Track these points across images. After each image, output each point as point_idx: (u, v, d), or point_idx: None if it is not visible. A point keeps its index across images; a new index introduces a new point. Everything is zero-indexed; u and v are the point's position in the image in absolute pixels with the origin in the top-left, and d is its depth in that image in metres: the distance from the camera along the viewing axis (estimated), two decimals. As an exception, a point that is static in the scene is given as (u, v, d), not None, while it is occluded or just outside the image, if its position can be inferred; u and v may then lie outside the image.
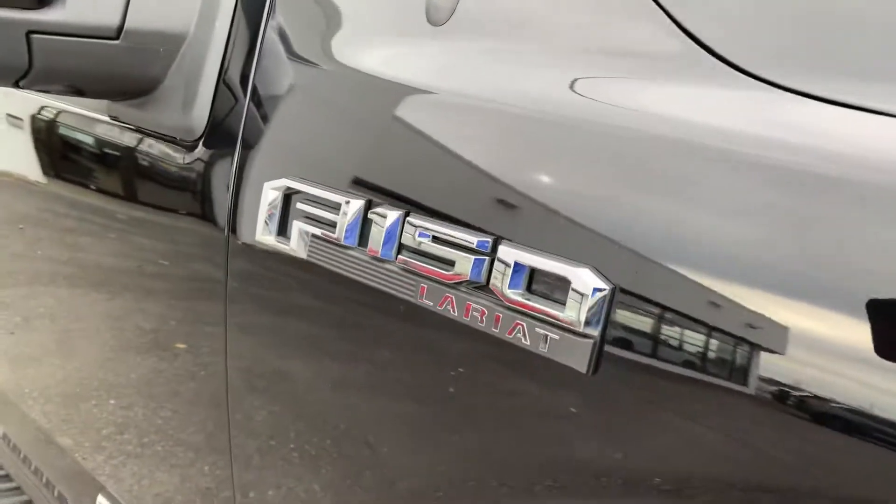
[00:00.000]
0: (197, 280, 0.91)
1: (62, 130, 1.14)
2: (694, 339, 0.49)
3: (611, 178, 0.54)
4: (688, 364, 0.50)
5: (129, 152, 0.97)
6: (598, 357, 0.52)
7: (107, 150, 1.03)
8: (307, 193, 0.70)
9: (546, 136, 0.58)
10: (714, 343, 0.48)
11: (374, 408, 0.69)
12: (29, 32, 0.80)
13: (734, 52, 0.53)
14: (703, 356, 0.49)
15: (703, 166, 0.51)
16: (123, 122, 0.95)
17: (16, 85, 0.85)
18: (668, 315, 0.50)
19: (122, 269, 1.06)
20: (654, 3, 0.56)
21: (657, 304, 0.51)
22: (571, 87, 0.59)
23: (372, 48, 0.72)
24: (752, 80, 0.52)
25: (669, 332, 0.50)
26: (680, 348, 0.50)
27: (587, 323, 0.52)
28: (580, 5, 0.62)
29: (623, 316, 0.51)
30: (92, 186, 1.08)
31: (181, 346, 1.02)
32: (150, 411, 1.18)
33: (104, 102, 0.98)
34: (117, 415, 1.29)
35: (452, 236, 0.59)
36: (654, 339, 0.51)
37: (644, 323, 0.51)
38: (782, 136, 0.48)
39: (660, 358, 0.51)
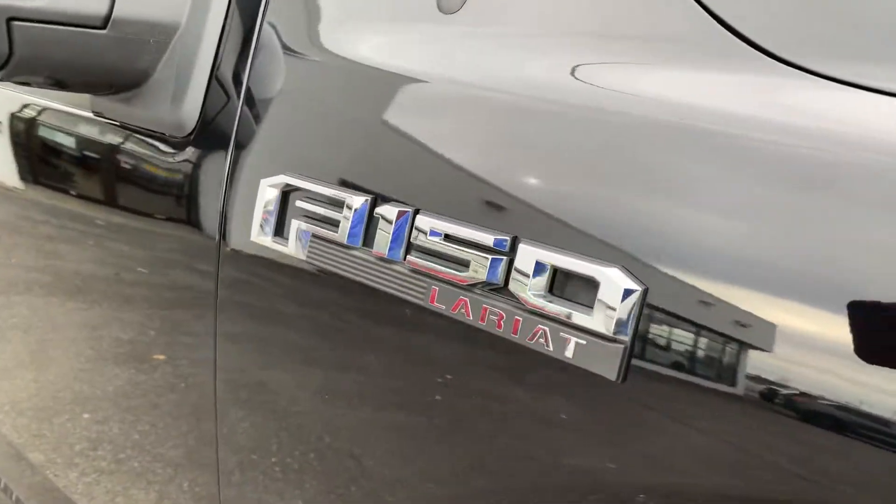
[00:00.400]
0: (183, 287, 0.86)
1: (40, 128, 1.08)
2: (733, 345, 0.46)
3: (637, 172, 0.51)
4: (725, 371, 0.46)
5: (114, 151, 0.92)
6: (628, 363, 0.48)
7: (89, 149, 0.98)
8: (307, 190, 0.66)
9: (565, 128, 0.55)
10: (754, 348, 0.45)
11: (379, 417, 0.64)
12: (10, 19, 0.75)
13: (765, 36, 0.50)
14: (741, 363, 0.45)
15: (735, 159, 0.47)
16: (107, 118, 0.90)
17: (-6, 76, 0.80)
18: (703, 318, 0.47)
19: (103, 277, 1.00)
20: None
21: (691, 306, 0.47)
22: (593, 77, 0.56)
23: (378, 39, 0.68)
24: (785, 66, 0.49)
25: (705, 336, 0.47)
26: (718, 354, 0.46)
27: (617, 327, 0.48)
28: None
29: (655, 319, 0.48)
30: (72, 188, 1.02)
31: (160, 357, 0.97)
32: (126, 425, 1.13)
33: (86, 97, 0.93)
34: (91, 430, 1.23)
35: (467, 235, 0.55)
36: (689, 343, 0.47)
37: (677, 326, 0.47)
38: (827, 127, 0.45)
39: (695, 363, 0.47)
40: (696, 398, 0.47)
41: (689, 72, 0.53)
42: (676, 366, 0.48)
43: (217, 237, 0.75)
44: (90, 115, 0.93)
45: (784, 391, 0.43)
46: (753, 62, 0.50)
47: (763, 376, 0.44)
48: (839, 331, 0.42)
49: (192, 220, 0.81)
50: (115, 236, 0.96)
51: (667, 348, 0.48)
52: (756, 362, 0.45)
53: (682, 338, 0.48)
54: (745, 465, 0.46)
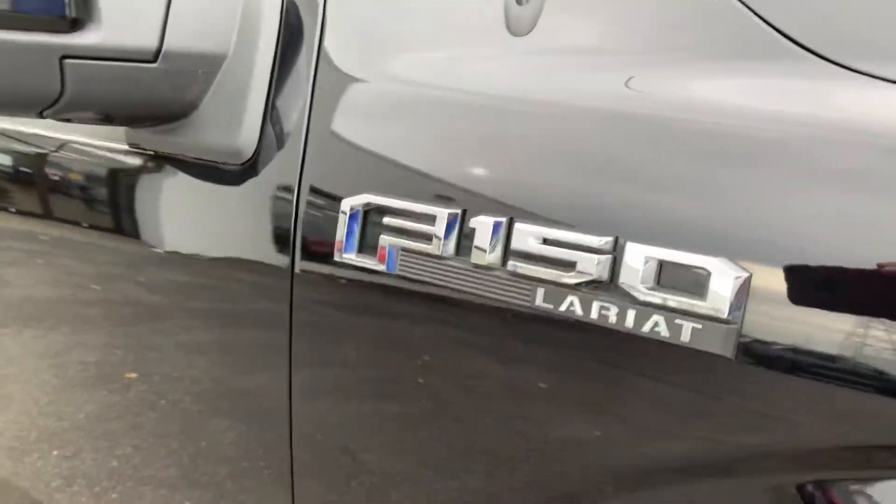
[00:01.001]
0: (248, 314, 0.87)
1: (68, 164, 1.07)
2: (828, 322, 0.52)
3: (728, 172, 0.57)
4: (822, 345, 0.53)
5: (158, 183, 0.92)
6: (739, 341, 0.55)
7: (127, 183, 0.97)
8: (393, 208, 0.69)
9: (644, 133, 0.60)
10: (844, 323, 0.52)
11: (489, 420, 0.68)
12: (63, 57, 0.75)
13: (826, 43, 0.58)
14: (836, 340, 0.52)
15: (814, 156, 0.54)
16: (144, 150, 0.91)
17: (40, 115, 0.80)
18: (800, 298, 0.53)
19: (158, 306, 1.00)
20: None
21: (787, 289, 0.54)
22: (658, 87, 0.62)
23: (447, 63, 0.72)
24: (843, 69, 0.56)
25: (803, 313, 0.53)
26: (815, 329, 0.53)
27: (731, 310, 0.54)
28: (665, 7, 0.65)
29: (759, 300, 0.54)
30: (115, 225, 1.01)
31: (230, 384, 0.98)
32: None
33: (118, 131, 0.93)
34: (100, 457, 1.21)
35: (570, 238, 0.60)
36: (788, 321, 0.54)
37: (778, 306, 0.54)
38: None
39: (796, 337, 0.54)
40: (801, 366, 0.54)
41: (755, 79, 0.60)
42: (780, 341, 0.54)
43: (289, 260, 0.77)
44: (124, 147, 0.93)
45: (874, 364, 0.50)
46: (811, 66, 0.58)
47: (861, 347, 0.51)
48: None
49: (256, 244, 0.82)
50: (166, 268, 0.96)
51: (770, 327, 0.54)
52: (853, 335, 0.51)
53: (779, 316, 0.54)
54: (844, 432, 0.52)
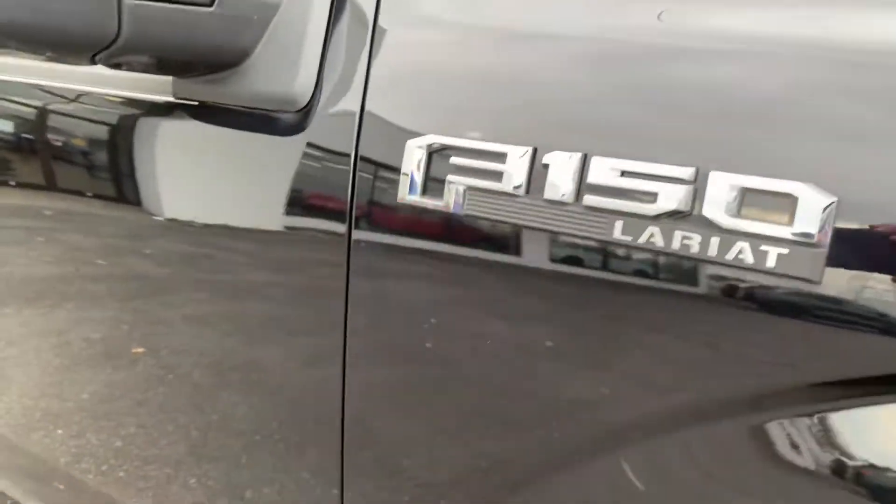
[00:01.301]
0: (299, 272, 0.86)
1: (102, 121, 1.05)
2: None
3: (813, 99, 0.57)
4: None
5: (209, 135, 0.91)
6: (825, 265, 0.55)
7: (173, 137, 0.96)
8: (460, 147, 0.69)
9: (722, 63, 0.61)
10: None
11: (579, 362, 0.68)
12: (121, -3, 0.74)
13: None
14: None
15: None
16: (193, 101, 0.90)
17: (92, 60, 0.78)
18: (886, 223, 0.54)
19: (188, 279, 0.99)
20: None
21: (870, 213, 0.54)
22: (734, 19, 0.62)
23: (511, 2, 0.72)
24: None
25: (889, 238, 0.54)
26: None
27: (819, 234, 0.55)
28: None
29: (846, 224, 0.54)
30: (161, 184, 0.99)
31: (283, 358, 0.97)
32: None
33: (159, 81, 0.92)
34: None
35: (650, 170, 0.60)
36: (873, 243, 0.54)
37: (862, 229, 0.54)
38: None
39: (881, 260, 0.54)
40: (883, 289, 0.54)
41: (830, 8, 0.60)
42: (864, 263, 0.55)
43: (348, 204, 0.77)
44: (168, 99, 0.92)
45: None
46: None
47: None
48: None
49: (313, 189, 0.81)
50: (208, 228, 0.95)
51: (858, 248, 0.55)
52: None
53: (869, 239, 0.55)
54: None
